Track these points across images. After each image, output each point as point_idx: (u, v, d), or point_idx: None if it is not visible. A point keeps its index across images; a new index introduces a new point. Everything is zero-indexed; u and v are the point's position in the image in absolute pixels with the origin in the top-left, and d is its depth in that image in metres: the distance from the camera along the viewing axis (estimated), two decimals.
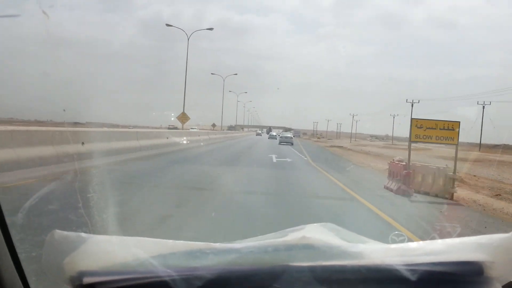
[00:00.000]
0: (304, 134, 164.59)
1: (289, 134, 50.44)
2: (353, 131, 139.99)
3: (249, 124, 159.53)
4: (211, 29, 46.76)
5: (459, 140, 11.08)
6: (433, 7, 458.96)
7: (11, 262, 1.11)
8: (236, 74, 70.28)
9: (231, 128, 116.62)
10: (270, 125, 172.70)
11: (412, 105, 67.80)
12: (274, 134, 77.31)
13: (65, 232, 0.99)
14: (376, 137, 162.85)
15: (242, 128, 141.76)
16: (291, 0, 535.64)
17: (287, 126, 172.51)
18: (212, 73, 67.87)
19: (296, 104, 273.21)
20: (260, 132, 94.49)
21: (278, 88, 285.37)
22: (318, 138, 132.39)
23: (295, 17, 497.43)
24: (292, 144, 44.94)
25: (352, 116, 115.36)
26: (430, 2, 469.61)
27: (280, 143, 44.71)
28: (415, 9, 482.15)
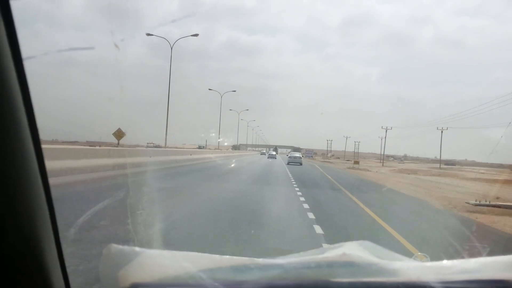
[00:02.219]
0: (314, 153, 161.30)
1: (297, 154, 50.01)
2: (360, 151, 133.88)
3: (256, 143, 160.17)
4: (196, 35, 44.86)
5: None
6: (441, 27, 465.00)
7: (61, 274, 1.23)
8: (235, 91, 70.35)
9: (235, 147, 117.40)
10: (278, 144, 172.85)
11: (386, 132, 67.81)
12: (274, 153, 77.20)
13: (120, 246, 1.10)
14: (393, 157, 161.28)
15: (247, 148, 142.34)
16: (298, 20, 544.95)
17: (296, 145, 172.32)
18: (209, 89, 70.96)
19: (304, 124, 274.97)
20: (264, 151, 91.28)
21: (322, 113, 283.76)
22: (336, 158, 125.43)
23: (302, 37, 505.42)
24: (301, 164, 45.55)
25: (385, 131, 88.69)
26: (437, 21, 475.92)
27: (288, 163, 44.93)
28: (422, 28, 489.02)
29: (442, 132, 74.87)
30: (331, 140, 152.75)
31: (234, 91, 70.03)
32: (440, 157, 78.28)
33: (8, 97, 1.01)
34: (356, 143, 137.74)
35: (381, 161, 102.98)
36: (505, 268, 1.12)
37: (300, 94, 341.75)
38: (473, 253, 6.01)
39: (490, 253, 6.53)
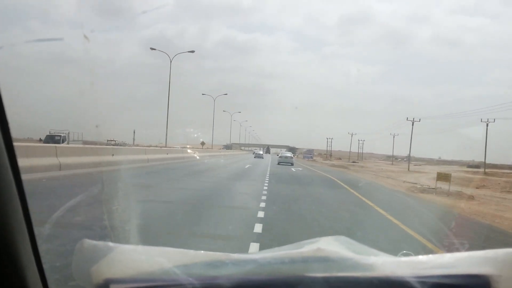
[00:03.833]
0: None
1: (288, 154, 47.93)
2: (354, 151, 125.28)
3: (249, 143, 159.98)
4: (192, 51, 48.60)
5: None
6: (439, 26, 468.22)
7: (37, 272, 1.26)
8: (226, 94, 72.72)
9: (227, 147, 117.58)
10: (274, 144, 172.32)
11: (412, 124, 64.17)
12: (261, 153, 74.72)
13: (93, 241, 1.12)
14: (396, 158, 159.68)
15: (241, 148, 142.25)
16: (296, 18, 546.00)
17: (292, 145, 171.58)
18: (203, 94, 72.17)
19: (301, 123, 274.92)
20: (261, 152, 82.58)
21: (296, 108, 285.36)
22: (338, 159, 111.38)
23: (299, 36, 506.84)
24: (292, 164, 42.97)
25: (411, 125, 67.72)
26: (435, 20, 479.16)
27: (279, 163, 42.65)
28: (420, 27, 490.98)
29: (487, 126, 57.96)
30: (332, 139, 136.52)
31: (226, 94, 72.91)
32: (485, 159, 59.09)
33: None
34: (361, 142, 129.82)
35: (392, 162, 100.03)
36: (480, 263, 1.15)
37: (297, 93, 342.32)
38: (451, 249, 6.19)
39: (468, 249, 6.59)
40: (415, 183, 26.36)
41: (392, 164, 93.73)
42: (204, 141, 60.81)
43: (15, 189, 1.17)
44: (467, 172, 55.75)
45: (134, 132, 37.90)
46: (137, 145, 37.45)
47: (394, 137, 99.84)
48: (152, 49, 45.08)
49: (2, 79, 1.12)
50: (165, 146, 41.67)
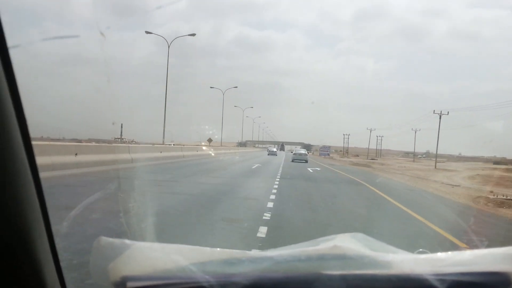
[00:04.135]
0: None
1: (303, 151, 47.30)
2: (375, 147, 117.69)
3: (264, 140, 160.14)
4: (193, 34, 47.13)
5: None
6: (455, 19, 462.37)
7: (54, 270, 1.28)
8: (236, 87, 70.99)
9: (241, 144, 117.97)
10: (288, 141, 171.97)
11: (440, 117, 59.53)
12: (274, 150, 74.22)
13: (110, 239, 1.14)
14: (414, 154, 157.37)
15: (255, 145, 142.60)
16: (309, 14, 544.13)
17: (307, 142, 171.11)
18: (211, 87, 69.71)
19: (316, 120, 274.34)
20: (274, 149, 76.87)
21: (313, 103, 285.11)
22: (355, 156, 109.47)
23: (313, 32, 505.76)
24: (306, 161, 42.15)
25: (438, 118, 60.60)
26: (451, 14, 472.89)
27: (293, 160, 42.19)
28: (436, 21, 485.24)
29: None
30: (348, 135, 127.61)
31: (236, 87, 70.37)
32: None
33: None
34: (379, 138, 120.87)
35: (413, 159, 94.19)
36: (501, 260, 1.14)
37: (311, 90, 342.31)
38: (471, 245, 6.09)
39: (488, 246, 6.34)
40: (457, 185, 22.28)
41: (414, 161, 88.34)
42: (212, 139, 57.32)
43: (33, 187, 1.19)
44: (495, 169, 48.60)
45: (121, 125, 36.95)
46: (135, 142, 37.44)
47: (415, 132, 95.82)
48: (147, 32, 42.49)
49: (20, 79, 1.13)
50: (163, 144, 38.56)
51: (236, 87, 69.89)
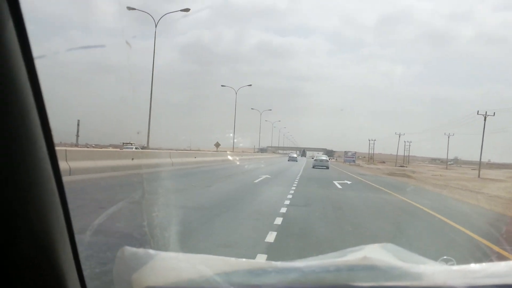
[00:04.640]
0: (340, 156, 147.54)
1: (324, 157, 45.67)
2: (402, 154, 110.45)
3: (285, 146, 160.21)
4: (187, 10, 37.03)
5: None
6: (481, 23, 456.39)
7: (77, 277, 1.28)
8: (250, 85, 66.85)
9: (262, 150, 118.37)
10: (310, 147, 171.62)
11: (485, 119, 53.07)
12: (295, 156, 73.26)
13: (134, 249, 1.14)
14: (441, 161, 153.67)
15: (277, 151, 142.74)
16: (332, 20, 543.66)
17: (329, 148, 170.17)
18: (222, 85, 63.59)
19: (338, 126, 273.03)
20: (294, 155, 75.73)
21: (341, 110, 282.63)
22: (381, 162, 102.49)
23: (336, 37, 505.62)
24: (327, 168, 40.71)
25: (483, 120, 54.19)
26: (478, 18, 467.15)
27: (314, 166, 41.01)
28: (461, 25, 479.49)
29: None
30: (374, 140, 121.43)
31: (250, 85, 66.65)
32: None
33: (18, 96, 1.04)
34: (407, 144, 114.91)
35: (446, 167, 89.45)
36: None
37: (334, 95, 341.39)
38: (502, 257, 5.77)
39: None
40: None
41: (447, 168, 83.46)
42: (231, 145, 55.42)
43: (57, 195, 1.20)
44: None
45: (148, 133, 36.62)
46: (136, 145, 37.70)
47: (448, 137, 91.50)
48: (130, 8, 38.95)
49: (45, 87, 1.15)
50: (148, 148, 33.81)
51: (250, 85, 66.04)
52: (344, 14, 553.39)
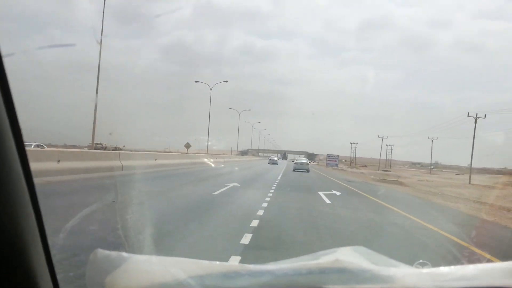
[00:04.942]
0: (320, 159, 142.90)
1: (304, 160, 45.53)
2: (384, 158, 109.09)
3: (267, 148, 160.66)
4: (226, 81, 50.53)
5: None
6: (460, 31, 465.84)
7: (51, 283, 1.27)
8: (226, 81, 66.69)
9: (243, 153, 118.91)
10: (291, 150, 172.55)
11: (475, 121, 50.21)
12: (275, 159, 72.72)
13: (107, 251, 1.13)
14: (421, 165, 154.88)
15: (258, 153, 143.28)
16: (314, 24, 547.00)
17: (310, 151, 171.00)
18: (196, 81, 61.30)
19: (319, 129, 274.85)
20: (275, 158, 74.73)
21: (313, 114, 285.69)
22: (363, 166, 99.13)
23: (318, 42, 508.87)
24: (308, 171, 40.40)
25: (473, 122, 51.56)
26: (457, 25, 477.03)
27: (294, 169, 40.57)
28: (441, 32, 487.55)
29: None
30: (356, 144, 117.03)
31: (226, 81, 66.38)
32: None
33: None
34: (389, 148, 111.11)
35: (430, 171, 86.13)
36: (504, 275, 1.13)
37: (316, 99, 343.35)
38: (472, 260, 5.82)
39: (490, 260, 6.16)
40: None
41: (430, 173, 79.39)
42: (190, 144, 48.65)
43: (28, 197, 1.18)
44: None
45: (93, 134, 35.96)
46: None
47: (432, 141, 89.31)
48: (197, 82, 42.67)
49: (17, 85, 1.14)
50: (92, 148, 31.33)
51: (226, 81, 65.54)
52: (326, 19, 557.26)
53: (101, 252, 1.14)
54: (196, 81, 61.38)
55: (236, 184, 17.01)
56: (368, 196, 18.00)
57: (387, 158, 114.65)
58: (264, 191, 14.98)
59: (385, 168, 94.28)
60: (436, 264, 1.25)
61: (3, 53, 1.09)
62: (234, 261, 5.28)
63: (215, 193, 13.24)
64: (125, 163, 20.54)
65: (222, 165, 39.58)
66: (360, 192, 20.24)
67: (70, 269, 3.84)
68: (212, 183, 18.13)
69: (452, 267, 1.18)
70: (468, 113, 53.26)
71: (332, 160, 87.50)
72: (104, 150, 34.72)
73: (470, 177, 47.55)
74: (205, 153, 53.05)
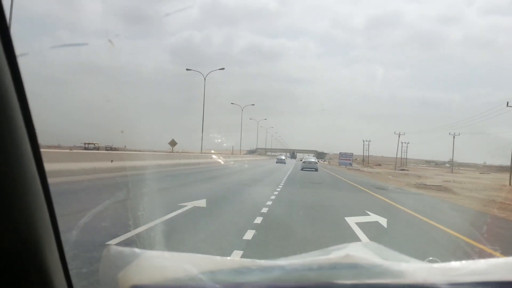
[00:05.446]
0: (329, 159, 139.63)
1: (312, 159, 45.04)
2: (399, 156, 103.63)
3: (276, 148, 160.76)
4: (222, 69, 50.59)
5: None
6: (470, 27, 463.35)
7: (64, 279, 1.30)
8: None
9: (251, 152, 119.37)
10: (301, 149, 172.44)
11: None
12: (283, 158, 72.25)
13: (120, 247, 1.16)
14: (436, 163, 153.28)
15: (265, 153, 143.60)
16: (322, 22, 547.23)
17: (319, 150, 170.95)
18: (187, 69, 58.61)
19: (328, 128, 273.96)
20: (283, 157, 73.25)
21: (322, 110, 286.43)
22: (377, 165, 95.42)
23: (326, 40, 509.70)
24: (316, 170, 39.43)
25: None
26: (466, 21, 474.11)
27: (302, 168, 39.93)
28: (450, 28, 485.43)
29: None
30: (369, 141, 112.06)
31: (223, 68, 67.11)
32: None
33: (2, 97, 1.05)
34: (404, 145, 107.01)
35: (451, 170, 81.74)
36: None
37: (325, 98, 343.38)
38: (483, 254, 5.73)
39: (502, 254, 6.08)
40: None
41: (452, 172, 73.58)
42: (174, 141, 42.09)
43: (42, 195, 1.21)
44: None
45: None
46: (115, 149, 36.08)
47: (454, 137, 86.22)
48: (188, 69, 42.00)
49: (30, 86, 1.17)
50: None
51: (223, 68, 66.87)
52: (333, 17, 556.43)
53: (114, 248, 1.17)
54: (187, 69, 59.27)
55: (200, 205, 10.50)
56: (437, 225, 10.10)
57: (402, 156, 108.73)
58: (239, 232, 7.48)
59: (402, 167, 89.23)
60: None
61: (17, 53, 1.11)
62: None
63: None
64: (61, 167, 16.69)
65: (209, 169, 31.19)
66: (423, 217, 11.34)
67: (83, 265, 3.90)
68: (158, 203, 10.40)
69: (464, 262, 1.18)
70: (508, 102, 47.09)
71: (346, 159, 78.97)
72: (97, 150, 34.48)
73: (511, 176, 40.44)
74: (199, 153, 47.68)
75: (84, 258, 4.37)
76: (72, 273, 1.35)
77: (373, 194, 18.30)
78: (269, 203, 11.76)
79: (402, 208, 13.48)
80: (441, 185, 28.03)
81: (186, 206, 9.97)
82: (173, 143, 41.67)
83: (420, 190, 23.93)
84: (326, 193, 17.61)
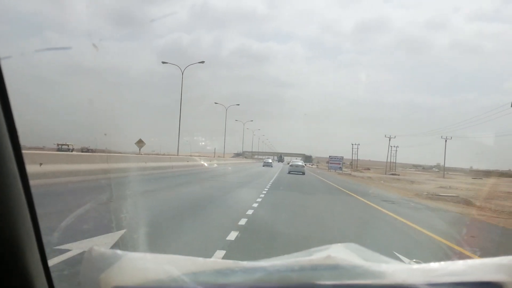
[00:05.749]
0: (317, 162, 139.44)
1: (299, 162, 45.22)
2: (389, 160, 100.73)
3: (263, 151, 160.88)
4: (202, 62, 50.18)
5: None
6: (457, 33, 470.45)
7: (45, 281, 1.30)
8: (238, 104, 71.37)
9: (237, 155, 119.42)
10: (288, 152, 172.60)
11: None
12: (270, 161, 71.35)
13: (102, 249, 1.16)
14: (423, 167, 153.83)
15: (252, 156, 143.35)
16: (311, 26, 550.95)
17: (307, 154, 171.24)
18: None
19: (316, 132, 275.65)
20: (270, 161, 72.10)
21: (305, 115, 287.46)
22: (366, 169, 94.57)
23: (315, 44, 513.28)
24: (303, 173, 39.59)
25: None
26: (453, 27, 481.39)
27: (289, 172, 40.03)
28: (438, 34, 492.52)
29: None
30: (358, 145, 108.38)
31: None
32: None
33: None
34: (393, 149, 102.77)
35: (443, 175, 76.10)
36: (493, 270, 1.16)
37: (313, 101, 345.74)
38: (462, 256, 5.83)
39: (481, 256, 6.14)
40: None
41: (444, 177, 69.75)
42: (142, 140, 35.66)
43: (24, 197, 1.21)
44: None
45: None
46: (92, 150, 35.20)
47: (446, 141, 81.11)
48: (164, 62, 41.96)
49: (15, 88, 1.17)
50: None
51: (203, 62, 67.10)
52: (322, 21, 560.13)
53: (96, 249, 1.16)
54: (163, 62, 55.02)
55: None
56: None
57: (391, 160, 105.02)
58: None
59: (391, 172, 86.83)
60: None
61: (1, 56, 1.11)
62: None
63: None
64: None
65: (173, 174, 26.09)
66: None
67: (65, 267, 3.88)
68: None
69: (443, 262, 1.21)
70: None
71: (335, 163, 74.75)
72: (71, 151, 33.55)
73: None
74: (175, 155, 42.90)
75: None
76: (53, 275, 1.35)
77: (382, 209, 13.39)
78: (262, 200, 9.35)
79: (443, 241, 8.11)
80: (457, 196, 23.22)
81: (66, 251, 4.81)
82: (140, 143, 35.29)
83: (436, 202, 18.97)
84: (323, 210, 12.95)
